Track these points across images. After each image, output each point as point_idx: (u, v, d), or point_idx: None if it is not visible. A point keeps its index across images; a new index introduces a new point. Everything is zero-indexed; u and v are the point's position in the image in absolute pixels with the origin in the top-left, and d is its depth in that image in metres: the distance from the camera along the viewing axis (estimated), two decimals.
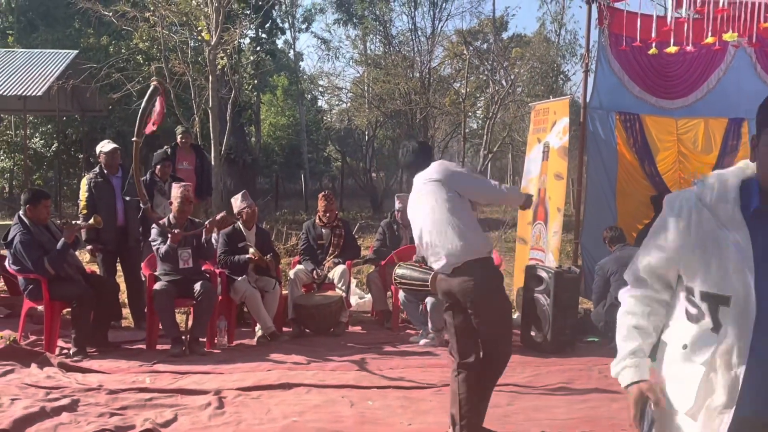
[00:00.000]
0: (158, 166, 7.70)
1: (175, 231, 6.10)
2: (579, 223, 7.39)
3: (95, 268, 6.92)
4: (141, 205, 5.95)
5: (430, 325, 6.45)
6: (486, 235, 4.05)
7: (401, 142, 4.38)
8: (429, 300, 6.35)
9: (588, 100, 7.29)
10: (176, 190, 6.33)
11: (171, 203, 6.35)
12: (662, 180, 7.34)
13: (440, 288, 3.99)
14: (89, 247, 6.84)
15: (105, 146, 6.97)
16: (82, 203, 6.83)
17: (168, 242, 6.13)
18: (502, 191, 4.13)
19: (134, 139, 5.37)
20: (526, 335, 6.48)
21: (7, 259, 6.17)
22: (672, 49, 6.30)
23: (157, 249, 6.20)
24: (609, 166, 7.28)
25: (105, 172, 6.84)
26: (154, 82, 5.40)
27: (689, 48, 6.46)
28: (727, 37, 5.89)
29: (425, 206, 3.95)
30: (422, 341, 6.47)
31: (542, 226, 7.55)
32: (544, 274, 6.37)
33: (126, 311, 7.10)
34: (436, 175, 3.96)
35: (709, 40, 6.08)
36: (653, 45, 6.50)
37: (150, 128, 5.35)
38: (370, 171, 26.79)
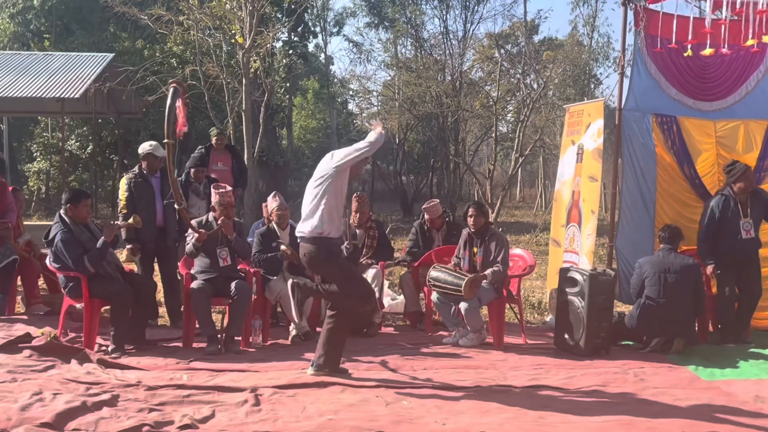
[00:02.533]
0: (192, 170, 7.80)
1: (201, 231, 6.19)
2: (614, 226, 7.34)
3: (133, 267, 7.02)
4: (176, 205, 6.00)
5: (468, 326, 6.46)
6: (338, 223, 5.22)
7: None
8: (463, 304, 6.37)
9: (623, 102, 7.24)
10: (216, 197, 6.39)
11: (213, 207, 6.44)
12: (702, 183, 7.25)
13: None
14: (129, 246, 6.91)
15: (156, 150, 7.03)
16: (122, 203, 6.89)
17: (192, 241, 6.24)
18: (367, 146, 5.16)
19: (165, 141, 5.47)
20: (560, 338, 6.44)
21: (48, 257, 6.29)
22: (708, 51, 6.24)
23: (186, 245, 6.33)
24: (646, 168, 7.21)
25: (145, 172, 6.92)
26: (173, 84, 5.50)
27: (725, 50, 6.39)
28: (767, 39, 5.82)
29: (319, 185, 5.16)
30: (461, 340, 6.48)
31: (576, 228, 7.51)
32: (578, 277, 6.33)
33: (162, 310, 7.20)
34: (329, 165, 5.17)
35: (749, 42, 6.00)
36: (689, 47, 6.45)
37: (180, 129, 5.45)
38: (401, 174, 26.83)
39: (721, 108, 7.47)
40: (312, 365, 5.32)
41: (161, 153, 6.95)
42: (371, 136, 5.20)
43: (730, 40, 6.41)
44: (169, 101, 5.39)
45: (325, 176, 5.16)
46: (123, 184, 6.91)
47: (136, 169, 7.01)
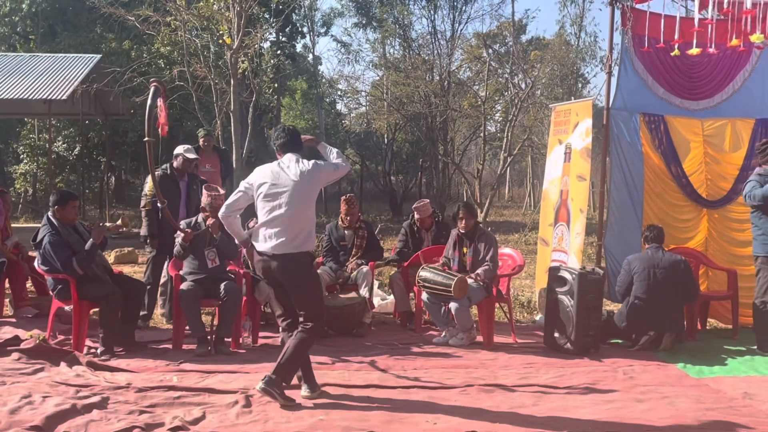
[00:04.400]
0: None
1: (188, 231, 6.18)
2: (602, 225, 7.38)
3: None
4: (158, 204, 5.96)
5: (458, 326, 6.48)
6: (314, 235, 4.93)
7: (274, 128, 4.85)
8: (453, 303, 6.38)
9: (611, 101, 7.27)
10: (207, 199, 6.37)
11: (203, 209, 6.43)
12: (689, 182, 7.29)
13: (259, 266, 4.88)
14: (150, 241, 6.94)
15: (189, 152, 7.08)
16: (147, 199, 6.90)
17: (179, 241, 6.24)
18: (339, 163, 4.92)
19: (146, 139, 5.47)
20: (549, 337, 6.47)
21: (36, 260, 6.26)
22: (694, 50, 6.28)
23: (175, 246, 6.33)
24: (633, 167, 7.24)
25: (175, 173, 6.94)
26: (154, 84, 5.51)
27: (712, 50, 6.44)
28: (753, 38, 5.85)
29: (300, 190, 4.72)
30: (451, 340, 6.50)
31: (564, 227, 7.54)
32: (567, 276, 6.36)
33: (155, 312, 7.17)
34: (312, 176, 4.77)
35: (734, 42, 6.04)
36: (676, 47, 6.49)
37: (162, 127, 5.46)
38: (389, 174, 26.84)
39: (708, 107, 7.51)
40: (264, 380, 4.70)
41: (191, 155, 7.04)
42: (337, 160, 4.94)
43: (717, 40, 6.45)
44: (149, 100, 5.40)
45: (295, 189, 4.75)
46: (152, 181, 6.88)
47: (166, 168, 7.05)
